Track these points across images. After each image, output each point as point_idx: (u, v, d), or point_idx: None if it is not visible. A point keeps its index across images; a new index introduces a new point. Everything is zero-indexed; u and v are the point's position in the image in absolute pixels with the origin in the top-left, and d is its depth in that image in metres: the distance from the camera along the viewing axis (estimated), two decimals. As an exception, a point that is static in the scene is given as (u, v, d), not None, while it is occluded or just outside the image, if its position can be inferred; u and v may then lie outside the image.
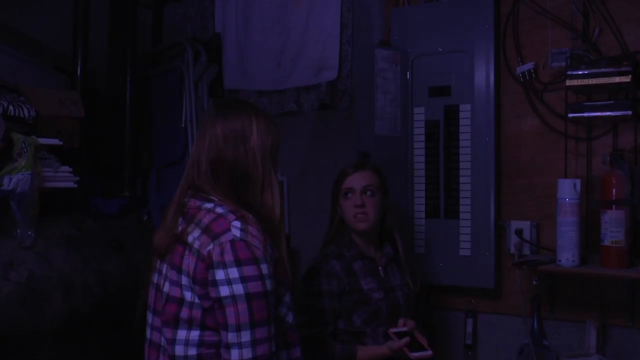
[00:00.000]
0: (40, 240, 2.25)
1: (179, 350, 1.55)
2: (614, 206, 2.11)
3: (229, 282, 1.49)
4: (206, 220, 1.56)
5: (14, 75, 2.58)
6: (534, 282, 2.35)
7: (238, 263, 1.49)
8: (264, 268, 1.51)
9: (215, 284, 1.50)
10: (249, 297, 1.49)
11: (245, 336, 1.48)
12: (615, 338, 2.32)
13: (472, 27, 2.52)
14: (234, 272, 1.49)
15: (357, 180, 2.14)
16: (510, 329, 2.53)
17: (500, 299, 2.55)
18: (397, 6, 2.74)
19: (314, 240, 2.27)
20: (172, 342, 1.56)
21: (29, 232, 2.19)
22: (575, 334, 2.39)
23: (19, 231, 2.17)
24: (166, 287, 1.59)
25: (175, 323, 1.56)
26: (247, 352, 1.48)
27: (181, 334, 1.55)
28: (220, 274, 1.49)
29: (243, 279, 1.49)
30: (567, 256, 2.17)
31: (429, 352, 2.02)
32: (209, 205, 1.58)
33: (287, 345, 1.61)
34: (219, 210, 1.57)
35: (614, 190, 2.12)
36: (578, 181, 2.20)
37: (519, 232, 2.44)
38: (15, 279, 2.14)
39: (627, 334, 2.30)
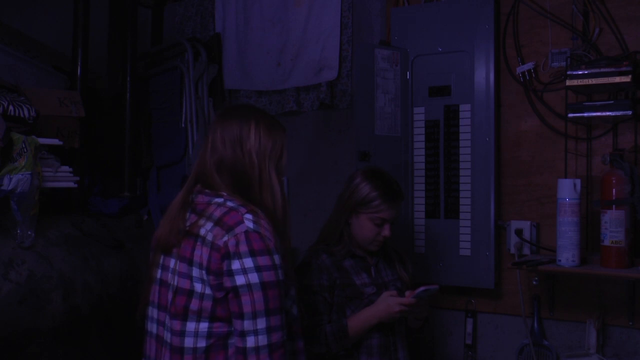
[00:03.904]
0: (40, 240, 2.26)
1: (188, 342, 1.59)
2: (614, 206, 2.11)
3: (244, 271, 1.54)
4: (218, 213, 1.61)
5: (14, 75, 2.58)
6: (534, 282, 2.35)
7: (252, 253, 1.55)
8: (277, 259, 1.58)
9: (231, 273, 1.55)
10: (264, 285, 1.54)
11: (261, 323, 1.53)
12: (615, 338, 2.33)
13: (472, 27, 2.52)
14: (249, 262, 1.54)
15: (393, 213, 2.12)
16: (510, 329, 2.53)
17: (500, 299, 2.55)
18: (397, 6, 2.74)
19: (314, 240, 2.27)
20: (182, 334, 1.59)
21: (29, 232, 2.19)
22: (575, 334, 2.39)
23: (19, 231, 2.18)
24: (175, 280, 1.62)
25: (184, 315, 1.59)
26: (263, 339, 1.53)
27: (190, 325, 1.59)
28: (236, 264, 1.54)
29: (258, 269, 1.54)
30: (567, 256, 2.17)
31: (435, 286, 2.03)
32: (219, 200, 1.64)
33: (291, 337, 1.66)
34: (229, 204, 1.62)
35: (614, 190, 2.12)
36: (578, 181, 2.20)
37: (519, 232, 2.44)
38: (15, 279, 2.14)
39: (627, 334, 2.30)
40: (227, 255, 1.55)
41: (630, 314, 2.28)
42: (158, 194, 3.03)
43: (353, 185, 2.15)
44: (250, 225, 1.57)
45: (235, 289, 1.54)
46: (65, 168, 2.37)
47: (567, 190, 2.19)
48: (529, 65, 2.46)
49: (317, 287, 2.06)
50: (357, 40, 2.84)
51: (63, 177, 2.37)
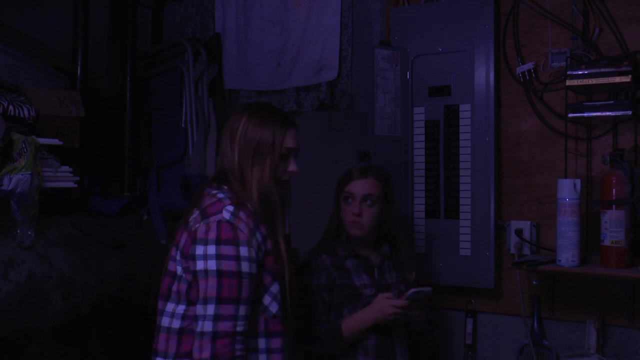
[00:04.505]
0: (40, 240, 2.25)
1: (165, 321, 1.65)
2: (614, 206, 2.11)
3: (205, 257, 1.58)
4: (206, 203, 1.67)
5: (14, 75, 2.58)
6: (534, 282, 2.35)
7: (218, 242, 1.58)
8: (243, 250, 1.59)
9: (194, 258, 1.60)
10: (220, 273, 1.57)
11: (210, 310, 1.56)
12: (615, 338, 2.33)
13: (472, 27, 2.52)
14: (212, 249, 1.58)
15: (359, 187, 2.13)
16: (510, 329, 2.53)
17: (500, 299, 2.55)
18: (397, 6, 2.74)
19: (314, 240, 2.27)
20: (161, 313, 1.67)
21: (29, 232, 2.19)
22: (575, 334, 2.39)
23: (19, 231, 2.17)
24: (168, 264, 1.70)
25: (167, 295, 1.66)
26: (208, 325, 1.55)
27: (169, 306, 1.65)
28: (200, 250, 1.59)
29: (219, 257, 1.57)
30: (567, 256, 2.17)
31: (428, 288, 2.04)
32: (214, 191, 1.70)
33: (268, 334, 1.67)
34: (219, 195, 1.68)
35: (614, 190, 2.12)
36: (578, 181, 2.20)
37: (519, 232, 2.44)
38: (15, 279, 2.14)
39: (627, 334, 2.30)
40: (195, 240, 1.60)
41: (630, 314, 2.28)
42: (158, 194, 3.02)
43: None
44: (227, 216, 1.61)
45: (194, 273, 1.59)
46: (65, 168, 2.37)
47: (567, 190, 2.19)
48: (529, 65, 2.46)
49: (315, 287, 2.07)
50: (357, 40, 2.84)
51: (63, 177, 2.37)
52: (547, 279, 2.41)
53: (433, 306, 2.66)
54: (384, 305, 2.01)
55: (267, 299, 1.66)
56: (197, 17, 3.35)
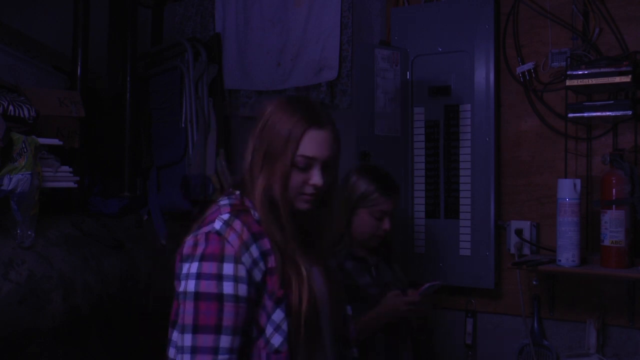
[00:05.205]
0: (40, 240, 2.26)
1: (171, 352, 1.43)
2: (614, 206, 2.11)
3: (186, 276, 1.35)
4: (209, 211, 1.44)
5: (14, 75, 2.58)
6: (534, 282, 2.35)
7: (202, 258, 1.34)
8: (228, 268, 1.33)
9: (179, 277, 1.39)
10: (197, 296, 1.32)
11: (187, 340, 1.32)
12: (615, 338, 2.33)
13: (472, 27, 2.52)
14: (194, 267, 1.34)
15: (392, 205, 2.11)
16: (510, 329, 2.53)
17: (500, 299, 2.55)
18: (397, 6, 2.74)
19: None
20: (169, 342, 1.46)
21: (29, 232, 2.19)
22: (575, 334, 2.39)
23: (19, 231, 2.18)
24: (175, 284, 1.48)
25: (174, 322, 1.45)
26: (187, 359, 1.32)
27: (176, 335, 1.44)
28: (184, 268, 1.37)
29: (198, 276, 1.33)
30: (567, 256, 2.17)
31: (438, 282, 2.03)
32: (221, 198, 1.48)
33: None
34: (222, 202, 1.45)
35: (614, 190, 2.12)
36: (578, 181, 2.20)
37: (519, 232, 2.44)
38: (15, 279, 2.14)
39: (627, 334, 2.30)
40: (181, 258, 1.39)
41: (630, 314, 2.28)
42: (158, 194, 3.03)
43: (350, 184, 2.13)
44: (217, 226, 1.36)
45: (177, 296, 1.38)
46: (65, 168, 2.37)
47: (567, 190, 2.19)
48: (529, 65, 2.46)
49: None
50: (357, 40, 2.84)
51: (63, 177, 2.37)
52: (547, 279, 2.41)
53: (433, 306, 2.66)
54: (396, 303, 2.01)
55: (269, 330, 1.37)
56: (197, 17, 3.35)
